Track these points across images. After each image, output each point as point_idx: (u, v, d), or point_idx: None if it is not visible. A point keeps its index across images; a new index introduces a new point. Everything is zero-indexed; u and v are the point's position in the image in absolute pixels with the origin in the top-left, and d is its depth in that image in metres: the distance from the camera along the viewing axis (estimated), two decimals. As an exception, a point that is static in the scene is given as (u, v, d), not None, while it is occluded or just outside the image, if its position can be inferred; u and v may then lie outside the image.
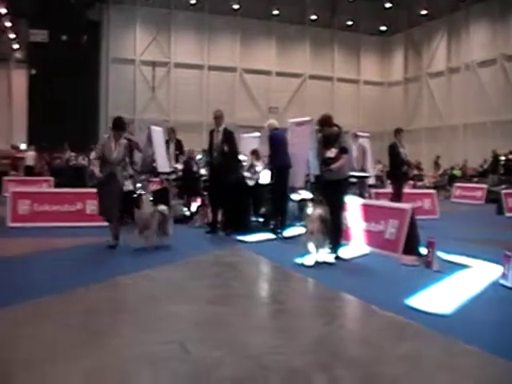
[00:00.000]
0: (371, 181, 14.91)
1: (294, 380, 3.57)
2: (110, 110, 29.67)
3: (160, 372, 3.63)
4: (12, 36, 29.94)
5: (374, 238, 8.75)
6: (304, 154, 11.23)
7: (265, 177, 11.29)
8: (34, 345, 4.07)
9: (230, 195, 10.36)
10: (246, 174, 11.84)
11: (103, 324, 4.62)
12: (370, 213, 9.09)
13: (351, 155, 10.28)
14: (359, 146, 13.36)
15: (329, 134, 7.84)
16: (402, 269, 7.33)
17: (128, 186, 9.96)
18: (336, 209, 7.62)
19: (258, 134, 15.34)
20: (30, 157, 23.01)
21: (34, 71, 30.37)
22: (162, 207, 8.68)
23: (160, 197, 10.80)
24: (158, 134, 13.13)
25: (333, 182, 7.71)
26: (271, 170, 10.58)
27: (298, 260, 7.42)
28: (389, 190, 13.00)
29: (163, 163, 12.74)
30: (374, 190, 14.39)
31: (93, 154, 12.46)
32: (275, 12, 34.55)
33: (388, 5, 34.26)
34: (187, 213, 12.57)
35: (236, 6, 33.52)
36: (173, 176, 12.91)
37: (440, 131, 32.98)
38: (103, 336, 4.31)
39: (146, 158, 12.78)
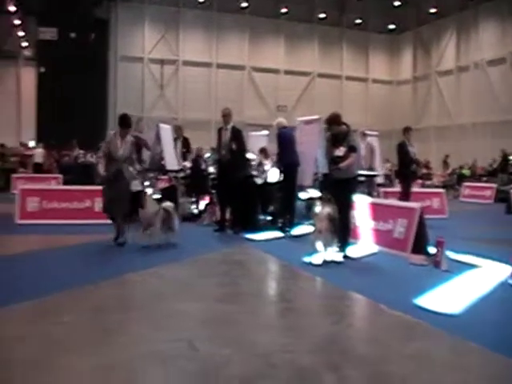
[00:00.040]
0: (380, 180, 14.89)
1: (303, 378, 3.57)
2: (119, 108, 29.64)
3: (168, 370, 3.63)
4: (21, 34, 30.05)
5: (382, 237, 8.72)
6: (312, 153, 11.21)
7: (273, 175, 11.29)
8: (43, 342, 4.08)
9: (238, 193, 10.36)
10: (255, 172, 11.84)
11: (111, 321, 4.63)
12: (378, 212, 9.07)
13: (359, 154, 10.26)
14: (367, 145, 13.35)
15: (337, 132, 7.84)
16: (410, 268, 7.31)
17: (137, 186, 9.93)
18: (344, 207, 7.61)
19: (266, 132, 15.36)
20: (39, 154, 23.06)
21: (42, 69, 30.39)
22: (167, 203, 8.64)
23: (168, 194, 10.84)
24: (167, 132, 13.16)
25: (341, 181, 7.70)
26: (279, 168, 10.59)
27: (306, 259, 7.41)
28: (397, 188, 12.96)
29: (172, 161, 12.75)
30: (382, 189, 14.37)
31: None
32: (284, 10, 34.56)
33: (397, 3, 34.15)
34: (195, 211, 12.59)
35: (244, 4, 33.57)
36: (181, 174, 12.92)
37: (449, 130, 32.81)
38: (111, 333, 4.33)
39: (155, 156, 12.81)
